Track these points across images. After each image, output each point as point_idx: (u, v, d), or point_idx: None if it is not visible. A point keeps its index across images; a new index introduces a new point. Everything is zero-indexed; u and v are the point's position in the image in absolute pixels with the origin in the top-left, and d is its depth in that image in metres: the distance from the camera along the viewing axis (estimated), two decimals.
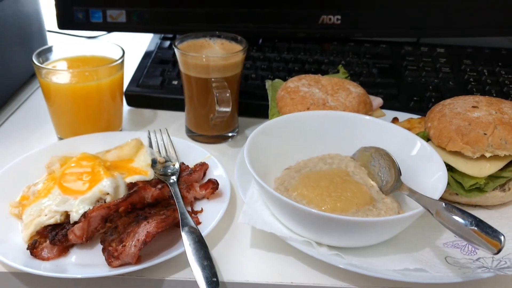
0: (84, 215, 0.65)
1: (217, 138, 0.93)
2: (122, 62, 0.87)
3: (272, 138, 0.77)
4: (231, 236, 0.71)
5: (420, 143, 0.74)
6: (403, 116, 0.93)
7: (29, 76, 1.13)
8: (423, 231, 0.70)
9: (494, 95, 1.02)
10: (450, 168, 0.73)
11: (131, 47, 0.90)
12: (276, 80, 0.96)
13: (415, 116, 0.92)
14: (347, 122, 0.80)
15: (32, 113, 1.01)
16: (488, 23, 1.17)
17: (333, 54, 1.14)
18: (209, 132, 0.92)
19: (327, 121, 0.80)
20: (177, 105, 1.02)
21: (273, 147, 0.78)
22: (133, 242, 0.60)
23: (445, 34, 1.20)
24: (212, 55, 0.86)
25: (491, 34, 1.22)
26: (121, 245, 0.61)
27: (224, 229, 0.71)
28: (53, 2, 1.08)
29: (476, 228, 0.52)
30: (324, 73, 1.06)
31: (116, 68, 0.86)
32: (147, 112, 1.03)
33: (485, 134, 0.71)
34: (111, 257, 0.61)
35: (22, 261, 0.62)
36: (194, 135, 0.94)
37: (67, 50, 0.91)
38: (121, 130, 0.94)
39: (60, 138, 0.90)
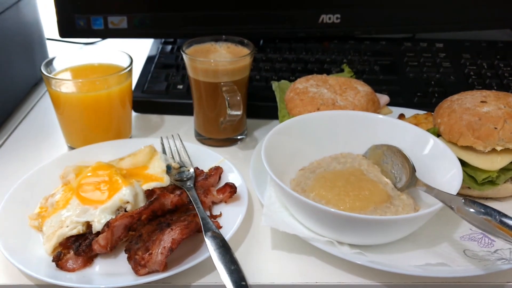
0: (107, 224, 0.65)
1: (226, 141, 0.94)
2: (131, 69, 0.87)
3: (287, 140, 0.78)
4: (251, 238, 0.71)
5: (432, 140, 0.75)
6: (408, 112, 0.94)
7: (32, 85, 1.12)
8: (439, 225, 0.71)
9: (495, 88, 1.04)
10: (461, 163, 0.74)
11: (131, 53, 0.90)
12: (282, 81, 0.97)
13: (420, 112, 0.93)
14: (358, 121, 0.81)
15: (38, 123, 1.01)
16: (482, 17, 1.18)
17: (334, 52, 1.15)
18: (219, 135, 0.93)
19: (338, 121, 0.82)
20: (183, 110, 1.02)
21: (287, 148, 0.79)
22: (160, 250, 0.61)
23: (441, 29, 1.22)
24: (220, 60, 0.87)
25: (485, 27, 1.24)
26: (148, 253, 0.61)
27: (244, 232, 0.72)
28: (53, 11, 1.07)
29: (500, 223, 0.54)
30: (327, 72, 1.07)
31: (125, 75, 0.86)
32: (154, 117, 1.03)
33: (495, 128, 0.72)
34: (138, 266, 0.61)
35: (48, 274, 0.62)
36: (203, 138, 0.94)
37: (73, 59, 0.91)
38: (131, 137, 0.94)
39: (71, 147, 0.90)
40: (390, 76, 1.08)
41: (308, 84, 0.88)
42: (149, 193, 0.74)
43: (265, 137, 0.76)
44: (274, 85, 0.95)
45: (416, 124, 0.85)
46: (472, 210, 0.57)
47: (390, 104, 0.95)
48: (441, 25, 1.20)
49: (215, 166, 0.81)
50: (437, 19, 1.18)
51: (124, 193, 0.70)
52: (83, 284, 0.61)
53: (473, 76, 1.08)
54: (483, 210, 0.56)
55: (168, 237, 0.62)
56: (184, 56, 0.86)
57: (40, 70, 0.83)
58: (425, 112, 0.92)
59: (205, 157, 0.84)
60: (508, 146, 0.73)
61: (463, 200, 0.59)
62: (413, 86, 1.05)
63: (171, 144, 0.86)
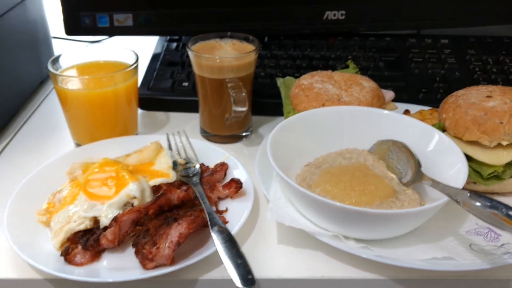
0: (115, 219, 0.66)
1: (232, 137, 0.94)
2: (137, 66, 0.88)
3: (292, 135, 0.79)
4: (257, 233, 0.72)
5: (438, 135, 0.76)
6: (413, 108, 0.94)
7: (38, 83, 1.13)
8: (444, 220, 0.71)
9: (501, 83, 1.04)
10: (467, 158, 0.74)
11: (137, 50, 0.90)
12: (287, 77, 0.98)
13: (425, 108, 0.93)
14: (363, 116, 0.82)
15: (45, 120, 1.02)
16: (487, 12, 1.18)
17: (339, 49, 1.15)
18: (224, 132, 0.93)
19: (343, 117, 0.82)
20: (189, 107, 1.03)
21: (292, 144, 0.79)
22: (167, 244, 0.61)
23: (446, 25, 1.22)
24: (226, 56, 0.87)
25: (490, 23, 1.24)
26: (155, 247, 0.62)
27: (250, 227, 0.73)
28: (59, 9, 1.08)
29: (507, 217, 0.54)
30: (332, 68, 1.07)
31: (131, 72, 0.86)
32: (160, 114, 1.03)
33: (501, 123, 0.72)
34: (145, 260, 0.62)
35: (57, 268, 0.62)
36: (209, 135, 0.95)
37: (80, 57, 0.92)
38: (137, 134, 0.94)
39: (77, 144, 0.90)
40: (395, 72, 1.08)
41: (313, 80, 0.88)
42: (155, 189, 0.75)
43: (270, 133, 0.76)
44: (279, 81, 0.95)
45: (421, 120, 0.85)
46: (478, 203, 0.57)
47: (395, 100, 0.95)
48: (446, 21, 1.20)
49: (221, 162, 0.81)
50: (442, 15, 1.18)
51: (131, 189, 0.71)
52: (92, 278, 0.61)
53: (478, 72, 1.08)
54: (489, 204, 0.56)
55: (175, 231, 0.63)
56: (190, 53, 0.87)
57: (47, 67, 0.84)
58: (430, 108, 0.93)
59: (210, 154, 0.85)
60: None
61: (468, 194, 0.59)
62: (418, 82, 1.05)
63: (177, 141, 0.87)
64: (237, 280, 0.58)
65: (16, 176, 0.81)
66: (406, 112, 0.92)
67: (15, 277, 0.65)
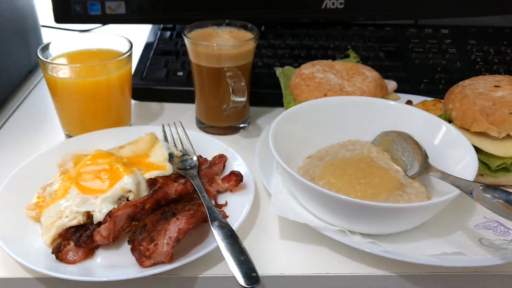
0: (109, 214, 0.62)
1: (229, 129, 0.91)
2: (130, 54, 0.84)
3: (293, 126, 0.76)
4: (258, 228, 0.69)
5: (445, 126, 0.73)
6: (415, 98, 0.92)
7: (27, 73, 1.09)
8: (452, 214, 0.69)
9: (503, 74, 1.02)
10: (474, 149, 0.72)
11: (130, 39, 0.87)
12: (286, 67, 0.94)
13: (428, 99, 0.91)
14: (367, 107, 0.79)
15: (34, 110, 0.98)
16: (486, 2, 1.16)
17: (338, 39, 1.12)
18: (221, 123, 0.90)
19: (346, 107, 0.79)
20: (183, 97, 0.99)
21: (294, 135, 0.76)
22: (165, 240, 0.58)
23: (444, 15, 1.20)
24: (224, 44, 0.84)
25: (489, 13, 1.22)
26: (153, 244, 0.59)
27: (251, 222, 0.70)
28: None
29: None
30: (331, 58, 1.04)
31: (124, 61, 0.83)
32: (154, 105, 1.00)
33: (510, 113, 0.70)
34: (142, 257, 0.58)
35: (48, 266, 0.59)
36: (205, 126, 0.91)
37: (70, 44, 0.88)
38: (130, 125, 0.91)
39: (68, 136, 0.87)
40: (396, 63, 1.05)
41: (314, 70, 0.85)
42: (151, 182, 0.71)
43: (271, 124, 0.73)
44: (278, 71, 0.92)
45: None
46: (492, 196, 0.55)
47: (397, 90, 0.92)
48: (444, 11, 1.17)
49: (219, 154, 0.78)
50: (441, 5, 1.16)
51: (126, 182, 0.67)
52: (85, 276, 0.58)
53: (480, 62, 1.06)
54: (504, 196, 0.54)
55: (174, 227, 0.59)
56: (186, 41, 0.83)
57: (36, 54, 0.80)
58: (433, 98, 0.90)
59: (208, 145, 0.81)
60: None
61: (481, 187, 0.57)
62: (419, 73, 1.03)
63: (173, 132, 0.84)
64: (240, 278, 0.55)
65: (3, 169, 0.77)
66: (409, 103, 0.89)
67: (3, 275, 0.61)
